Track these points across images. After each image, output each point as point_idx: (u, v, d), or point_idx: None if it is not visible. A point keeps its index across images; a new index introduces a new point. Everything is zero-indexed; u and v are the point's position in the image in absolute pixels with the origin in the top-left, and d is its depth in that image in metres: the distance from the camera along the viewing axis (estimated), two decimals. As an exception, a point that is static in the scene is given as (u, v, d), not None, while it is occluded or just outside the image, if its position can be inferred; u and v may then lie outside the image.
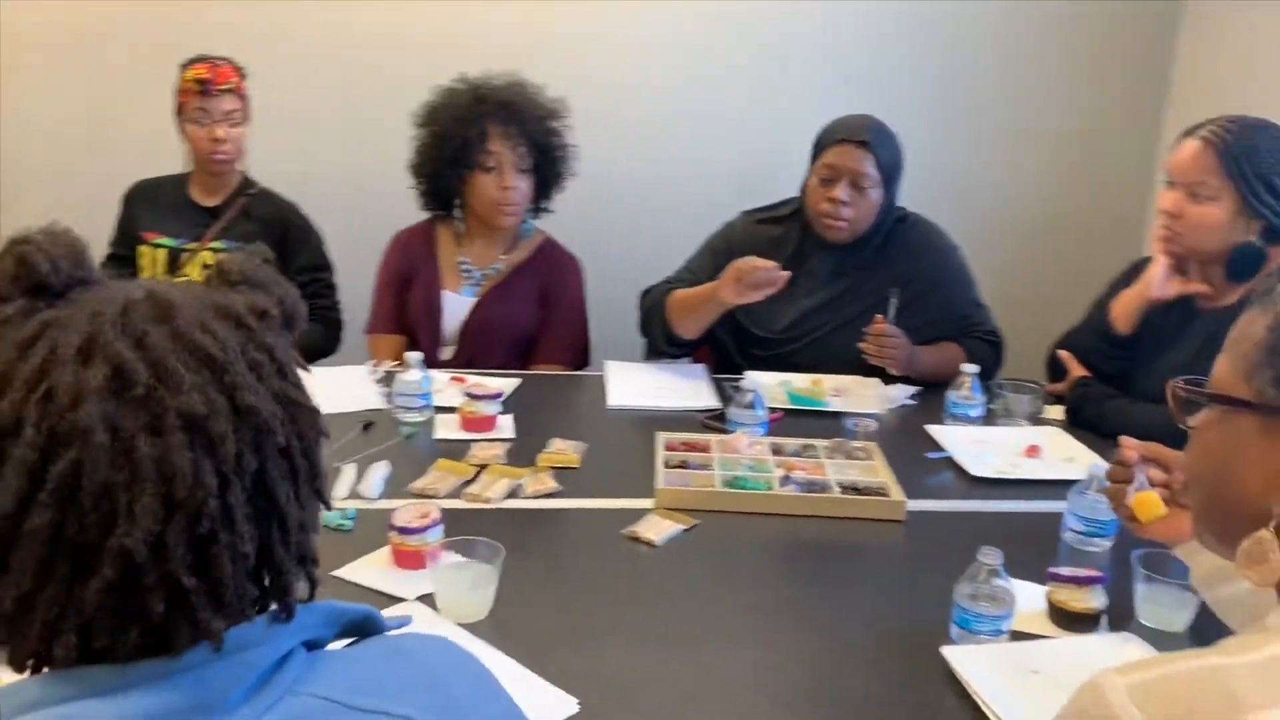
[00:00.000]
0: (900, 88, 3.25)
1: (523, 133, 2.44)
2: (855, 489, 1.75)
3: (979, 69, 3.32)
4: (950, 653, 1.30)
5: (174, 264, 2.63)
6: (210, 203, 2.67)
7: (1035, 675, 1.27)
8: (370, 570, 1.45)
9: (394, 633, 0.78)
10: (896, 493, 1.73)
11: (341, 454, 1.84)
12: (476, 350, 2.49)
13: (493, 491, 1.69)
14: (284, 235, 2.70)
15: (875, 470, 1.83)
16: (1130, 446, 1.28)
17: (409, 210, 2.60)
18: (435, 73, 2.53)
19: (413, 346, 2.42)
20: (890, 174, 2.34)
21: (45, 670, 0.65)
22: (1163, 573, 1.39)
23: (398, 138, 2.53)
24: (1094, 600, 1.38)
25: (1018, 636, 1.36)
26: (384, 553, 1.48)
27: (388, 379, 2.17)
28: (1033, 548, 1.59)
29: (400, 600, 1.39)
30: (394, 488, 1.73)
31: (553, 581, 1.50)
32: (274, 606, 0.69)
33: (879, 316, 2.27)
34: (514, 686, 0.83)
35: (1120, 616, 1.41)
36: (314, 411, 0.71)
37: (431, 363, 2.34)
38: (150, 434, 0.62)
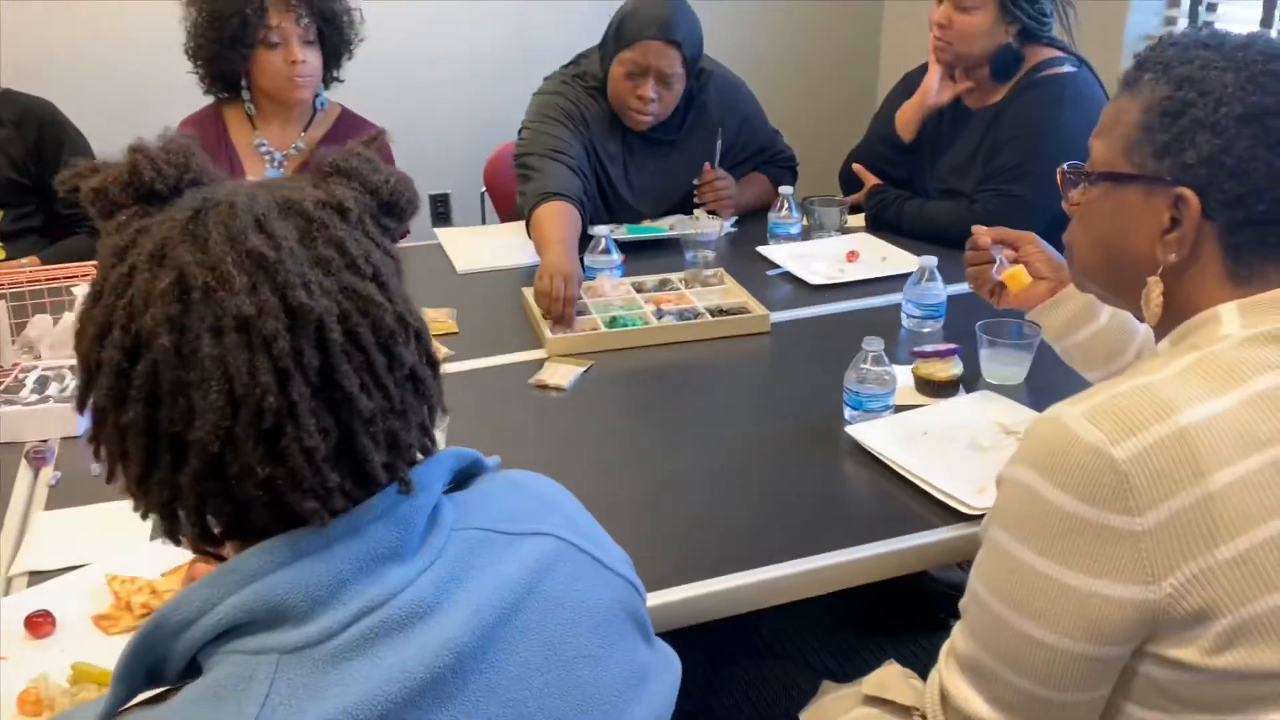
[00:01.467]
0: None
1: (303, 1, 2.32)
2: (722, 311, 1.91)
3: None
4: (853, 430, 1.51)
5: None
6: (-53, 111, 2.38)
7: (925, 435, 1.50)
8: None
9: (496, 472, 0.85)
10: (758, 308, 1.91)
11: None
12: (292, 234, 2.41)
13: (390, 367, 1.72)
14: (40, 137, 2.46)
15: (732, 292, 2.00)
16: (982, 233, 1.48)
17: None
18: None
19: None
20: (695, 60, 2.31)
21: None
22: (1001, 338, 1.65)
23: None
24: (955, 369, 1.62)
25: (895, 410, 1.59)
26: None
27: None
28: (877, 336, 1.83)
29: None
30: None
31: (485, 437, 1.55)
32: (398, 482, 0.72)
33: (706, 165, 2.39)
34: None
35: (967, 380, 1.67)
36: (390, 303, 0.70)
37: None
38: (213, 335, 0.64)
